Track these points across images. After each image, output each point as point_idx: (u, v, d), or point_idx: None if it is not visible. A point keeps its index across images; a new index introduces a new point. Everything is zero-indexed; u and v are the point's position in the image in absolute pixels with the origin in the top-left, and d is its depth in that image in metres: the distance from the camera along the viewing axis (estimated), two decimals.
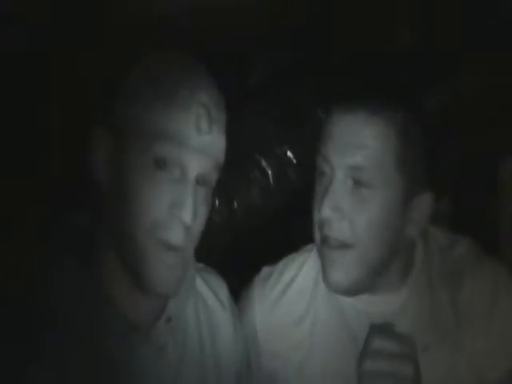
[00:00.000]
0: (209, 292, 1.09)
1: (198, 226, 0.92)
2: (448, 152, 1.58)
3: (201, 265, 1.10)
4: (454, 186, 1.06)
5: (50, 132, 1.47)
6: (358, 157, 0.97)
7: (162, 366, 0.95)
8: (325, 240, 0.99)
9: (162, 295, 0.92)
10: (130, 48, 0.97)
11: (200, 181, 0.91)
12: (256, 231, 1.60)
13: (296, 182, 1.57)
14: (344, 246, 0.97)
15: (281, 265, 1.17)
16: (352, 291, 1.00)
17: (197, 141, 0.89)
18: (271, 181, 1.56)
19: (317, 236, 1.02)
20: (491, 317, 1.00)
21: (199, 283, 1.08)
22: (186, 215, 0.87)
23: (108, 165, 0.91)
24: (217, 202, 1.51)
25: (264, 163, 1.55)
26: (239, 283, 1.18)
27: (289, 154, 1.56)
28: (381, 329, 0.91)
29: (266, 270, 1.18)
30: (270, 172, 1.56)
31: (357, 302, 1.04)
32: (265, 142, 1.57)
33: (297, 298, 1.12)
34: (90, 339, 0.87)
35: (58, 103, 1.44)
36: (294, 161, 1.57)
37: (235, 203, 1.54)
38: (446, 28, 1.54)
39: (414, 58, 1.53)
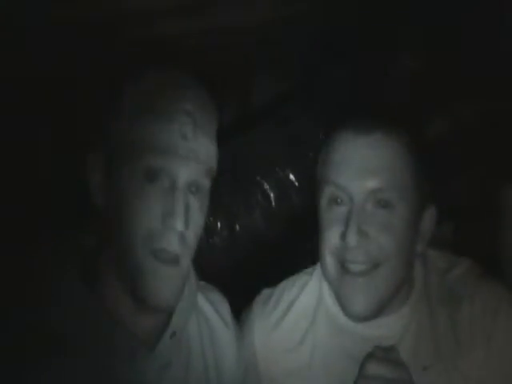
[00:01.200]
0: (211, 309, 1.09)
1: (193, 234, 0.93)
2: (449, 179, 1.59)
3: (202, 282, 1.11)
4: (455, 213, 1.06)
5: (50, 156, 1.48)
6: (378, 180, 0.97)
7: (167, 383, 0.94)
8: (347, 268, 0.98)
9: (161, 307, 0.92)
10: (130, 69, 0.99)
11: (193, 189, 0.92)
12: (257, 254, 1.60)
13: (298, 205, 1.57)
14: (373, 266, 0.97)
15: (280, 287, 1.17)
16: (371, 317, 0.99)
17: (183, 148, 0.90)
18: (273, 204, 1.56)
19: (332, 265, 1.00)
20: (490, 338, 0.98)
21: (201, 300, 1.08)
22: (178, 222, 0.88)
23: (103, 187, 0.93)
24: (219, 224, 1.51)
25: (266, 186, 1.56)
26: (240, 305, 1.17)
27: (291, 177, 1.57)
28: (378, 354, 0.90)
29: (265, 292, 1.18)
30: (272, 195, 1.56)
31: (358, 326, 1.03)
32: (267, 166, 1.57)
33: (296, 321, 1.11)
34: (94, 357, 0.86)
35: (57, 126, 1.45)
36: (296, 184, 1.57)
37: (237, 226, 1.54)
38: (447, 54, 1.55)
39: (415, 85, 1.54)
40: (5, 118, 1.36)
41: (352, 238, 0.96)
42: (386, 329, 1.03)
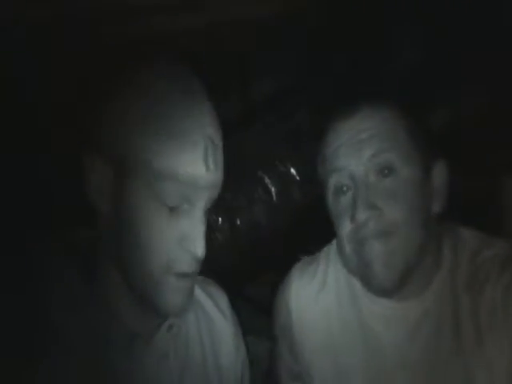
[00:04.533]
0: (209, 302, 1.10)
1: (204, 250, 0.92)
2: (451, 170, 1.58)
3: (200, 277, 1.09)
4: (456, 211, 1.05)
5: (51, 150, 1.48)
6: (373, 144, 0.98)
7: (164, 375, 0.95)
8: (363, 241, 0.97)
9: (171, 314, 0.92)
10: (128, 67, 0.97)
11: (205, 211, 0.92)
12: (259, 248, 1.60)
13: (299, 199, 1.57)
14: (386, 234, 0.96)
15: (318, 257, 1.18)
16: (397, 286, 0.97)
17: (206, 180, 0.88)
18: (274, 198, 1.56)
19: (348, 247, 1.00)
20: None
21: (199, 293, 1.09)
22: (199, 249, 0.88)
23: (107, 196, 0.89)
24: (219, 219, 1.51)
25: (267, 181, 1.56)
26: (240, 300, 1.18)
27: (292, 171, 1.57)
28: None
29: (305, 259, 1.19)
30: (273, 189, 1.56)
31: (379, 308, 1.03)
32: (268, 160, 1.57)
33: (329, 300, 1.12)
34: (91, 348, 0.86)
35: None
36: (298, 178, 1.57)
37: (238, 221, 1.54)
38: (444, 47, 1.55)
39: (414, 78, 1.54)
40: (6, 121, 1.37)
41: (360, 215, 0.96)
42: (408, 311, 1.01)
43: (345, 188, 1.01)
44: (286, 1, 1.42)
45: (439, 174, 1.02)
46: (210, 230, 1.48)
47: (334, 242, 1.13)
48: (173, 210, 0.87)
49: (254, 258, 1.61)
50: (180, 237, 0.88)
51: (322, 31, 1.61)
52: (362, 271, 0.99)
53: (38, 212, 1.40)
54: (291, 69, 1.74)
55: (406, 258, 0.96)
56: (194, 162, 0.87)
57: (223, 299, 1.12)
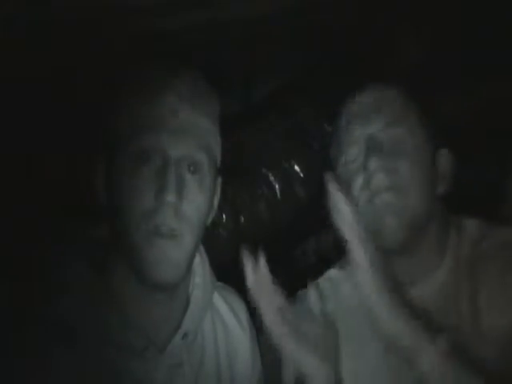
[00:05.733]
0: (228, 311, 1.08)
1: (191, 209, 0.91)
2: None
3: (220, 283, 1.10)
4: (461, 199, 1.06)
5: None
6: (388, 114, 1.04)
7: (178, 382, 0.93)
8: (375, 194, 1.01)
9: (163, 282, 0.90)
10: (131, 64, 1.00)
11: (191, 168, 0.91)
12: (262, 245, 1.60)
13: (303, 196, 1.57)
14: (396, 188, 1.00)
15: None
16: (407, 241, 1.01)
17: (173, 123, 0.90)
18: (278, 195, 1.56)
19: (362, 197, 1.03)
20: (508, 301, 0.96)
21: (217, 300, 1.08)
22: (169, 194, 0.87)
23: (105, 186, 0.94)
24: (223, 216, 1.51)
25: (271, 178, 1.55)
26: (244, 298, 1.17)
27: (296, 168, 1.56)
28: None
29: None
30: (276, 186, 1.56)
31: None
32: (272, 156, 1.57)
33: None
34: (103, 353, 0.86)
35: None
36: (301, 175, 1.56)
37: (242, 217, 1.54)
38: (448, 42, 1.54)
39: (416, 73, 1.53)
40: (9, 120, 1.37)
41: (372, 163, 1.00)
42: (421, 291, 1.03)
43: (357, 166, 1.04)
44: None
45: (444, 158, 1.08)
46: (214, 227, 1.48)
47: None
48: (149, 166, 0.89)
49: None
50: (155, 190, 0.88)
51: (325, 28, 1.60)
52: (375, 223, 1.01)
53: (49, 204, 1.41)
54: (294, 65, 1.74)
55: (413, 214, 1.00)
56: (157, 109, 0.90)
57: (243, 311, 1.11)
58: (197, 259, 1.05)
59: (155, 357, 0.91)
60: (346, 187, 1.04)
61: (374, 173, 1.01)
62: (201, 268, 1.05)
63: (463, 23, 1.54)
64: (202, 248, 1.08)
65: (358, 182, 1.03)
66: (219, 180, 1.03)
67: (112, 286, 0.92)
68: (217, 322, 1.06)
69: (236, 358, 1.06)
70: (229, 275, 1.16)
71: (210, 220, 1.02)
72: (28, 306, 0.86)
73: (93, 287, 0.90)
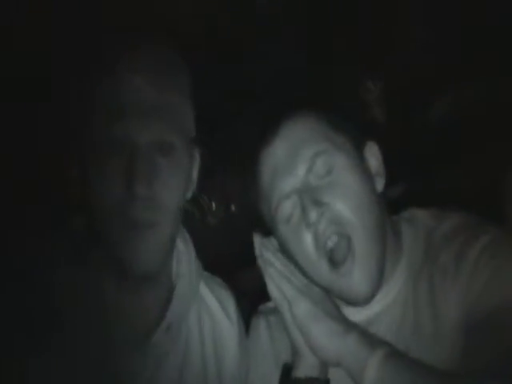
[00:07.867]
0: (215, 301, 1.07)
1: (166, 195, 0.89)
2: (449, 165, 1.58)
3: (207, 273, 1.08)
4: (456, 199, 1.05)
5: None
6: (305, 158, 0.97)
7: (162, 376, 0.93)
8: (326, 244, 0.96)
9: (141, 271, 0.90)
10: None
11: (163, 151, 0.88)
12: (253, 233, 1.61)
13: None
14: (339, 224, 0.95)
15: None
16: (375, 289, 0.96)
17: (137, 106, 0.86)
18: None
19: (319, 259, 0.97)
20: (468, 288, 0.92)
21: (204, 291, 1.06)
22: (138, 186, 0.85)
23: (80, 179, 0.92)
24: (213, 204, 1.52)
25: None
26: (234, 286, 1.17)
27: None
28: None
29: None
30: None
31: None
32: None
33: None
34: (86, 342, 0.87)
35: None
36: None
37: (232, 206, 1.54)
38: (448, 41, 1.54)
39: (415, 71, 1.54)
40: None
41: (311, 214, 0.94)
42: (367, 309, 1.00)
43: (291, 211, 0.98)
44: None
45: (371, 151, 1.03)
46: (204, 215, 1.49)
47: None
48: (119, 155, 0.86)
49: (249, 243, 1.62)
50: (125, 180, 0.86)
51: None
52: (339, 282, 0.96)
53: (36, 199, 1.41)
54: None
55: (377, 257, 0.95)
56: (119, 93, 0.87)
57: (231, 303, 1.09)
58: (181, 247, 1.03)
59: (141, 348, 0.91)
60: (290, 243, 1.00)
61: (317, 223, 0.94)
62: (186, 256, 1.03)
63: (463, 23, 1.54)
64: (187, 236, 1.06)
65: (307, 238, 0.97)
66: (196, 151, 0.98)
67: (93, 275, 0.92)
68: (203, 313, 1.05)
69: (223, 352, 1.05)
70: (218, 265, 1.17)
71: (189, 195, 0.98)
72: (11, 295, 0.86)
73: (74, 277, 0.90)
